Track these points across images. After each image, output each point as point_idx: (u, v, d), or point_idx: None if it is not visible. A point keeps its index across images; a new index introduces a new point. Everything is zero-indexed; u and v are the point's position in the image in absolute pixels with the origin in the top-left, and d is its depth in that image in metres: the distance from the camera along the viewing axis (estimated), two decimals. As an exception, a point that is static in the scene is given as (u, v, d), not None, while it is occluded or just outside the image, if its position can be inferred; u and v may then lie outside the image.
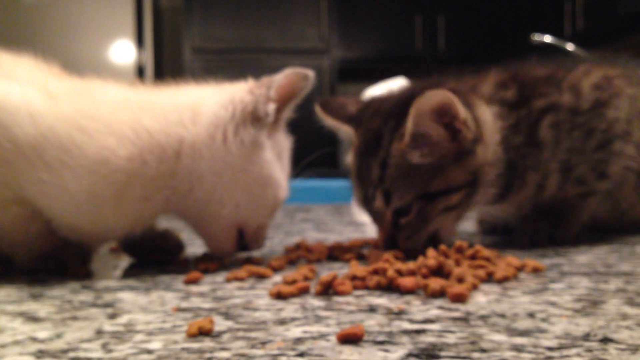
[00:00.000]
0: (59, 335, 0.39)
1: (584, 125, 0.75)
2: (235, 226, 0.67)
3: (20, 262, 0.64)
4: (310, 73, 0.69)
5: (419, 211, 0.69)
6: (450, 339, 0.37)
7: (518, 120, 0.74)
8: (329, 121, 0.80)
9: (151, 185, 0.62)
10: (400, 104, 0.71)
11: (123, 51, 3.40)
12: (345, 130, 0.78)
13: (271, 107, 0.66)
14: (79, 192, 0.59)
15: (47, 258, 0.64)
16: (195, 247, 0.79)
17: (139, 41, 3.43)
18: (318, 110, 0.79)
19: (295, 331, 0.39)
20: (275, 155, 0.68)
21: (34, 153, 0.58)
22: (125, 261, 0.73)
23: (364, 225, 1.14)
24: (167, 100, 0.65)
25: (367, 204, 0.73)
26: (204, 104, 0.65)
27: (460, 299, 0.46)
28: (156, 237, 0.73)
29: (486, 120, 0.72)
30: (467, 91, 0.74)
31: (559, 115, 0.75)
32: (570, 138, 0.75)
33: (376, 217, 0.73)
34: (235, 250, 0.69)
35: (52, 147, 0.58)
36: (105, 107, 0.62)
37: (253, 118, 0.65)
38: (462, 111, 0.68)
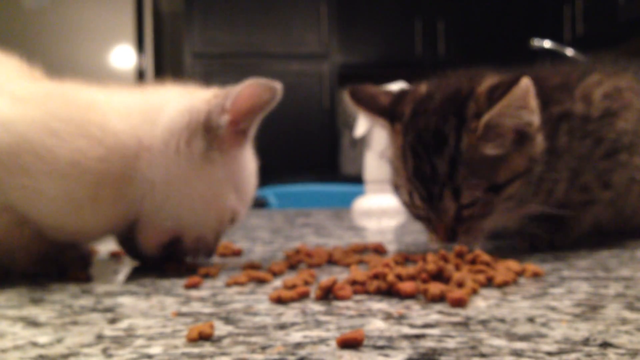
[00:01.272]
0: (59, 340, 0.39)
1: (595, 133, 0.76)
2: (170, 233, 0.64)
3: (21, 266, 0.64)
4: (277, 85, 0.63)
5: (485, 203, 0.69)
6: (450, 343, 0.37)
7: (540, 124, 0.74)
8: (356, 109, 0.79)
9: (121, 185, 0.61)
10: (454, 100, 0.71)
11: (123, 56, 3.40)
12: (376, 120, 0.78)
13: (224, 120, 0.62)
14: (57, 196, 0.59)
15: (48, 261, 0.64)
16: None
17: (140, 46, 3.44)
18: (347, 97, 0.79)
19: (296, 336, 0.39)
20: (230, 174, 0.64)
21: (10, 160, 0.58)
22: (125, 266, 0.73)
23: (364, 230, 1.14)
24: (136, 101, 0.64)
25: (431, 202, 0.71)
26: (166, 107, 0.63)
27: (460, 303, 0.46)
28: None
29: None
30: None
31: (572, 123, 0.75)
32: (581, 145, 0.75)
33: (437, 213, 0.71)
34: (159, 254, 0.65)
35: (26, 154, 0.58)
36: (76, 108, 0.61)
37: (205, 129, 0.62)
38: (533, 100, 0.68)
